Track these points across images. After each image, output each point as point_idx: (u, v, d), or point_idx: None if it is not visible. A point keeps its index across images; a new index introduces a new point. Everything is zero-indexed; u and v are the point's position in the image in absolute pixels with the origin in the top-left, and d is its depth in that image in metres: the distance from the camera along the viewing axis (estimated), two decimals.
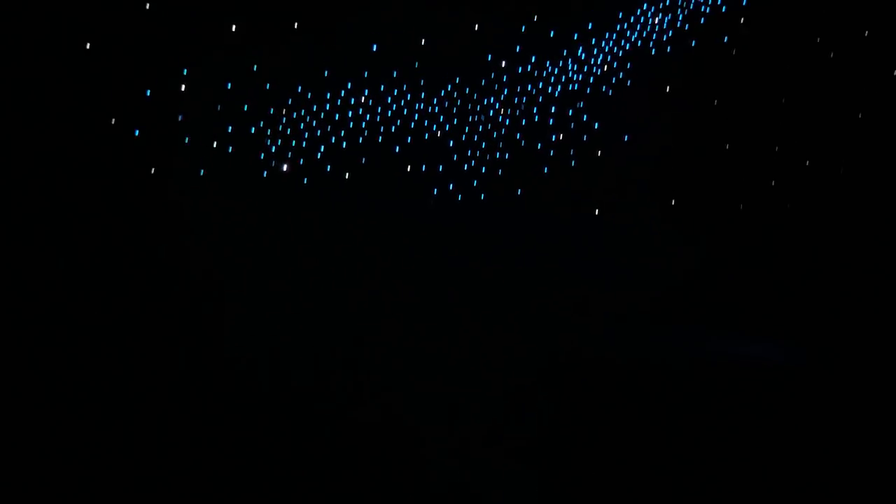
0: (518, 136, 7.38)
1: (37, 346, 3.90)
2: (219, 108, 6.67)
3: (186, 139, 6.64)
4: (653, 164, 7.57)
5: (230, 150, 6.79)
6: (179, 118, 6.59)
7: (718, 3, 7.21)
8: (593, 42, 7.22)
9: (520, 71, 7.21)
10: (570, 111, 7.38)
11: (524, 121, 7.35)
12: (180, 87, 6.48)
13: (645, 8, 7.15)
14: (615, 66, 7.33)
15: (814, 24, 7.30)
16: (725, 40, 7.32)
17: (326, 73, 6.85)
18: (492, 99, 7.25)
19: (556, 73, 7.27)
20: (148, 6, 6.26)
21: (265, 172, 6.93)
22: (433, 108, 7.14)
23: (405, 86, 7.04)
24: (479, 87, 7.19)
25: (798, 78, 7.41)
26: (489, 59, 7.14)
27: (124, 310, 4.78)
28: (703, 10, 7.21)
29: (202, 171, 6.72)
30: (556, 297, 6.79)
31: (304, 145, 7.00)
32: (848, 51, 7.31)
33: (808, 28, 7.31)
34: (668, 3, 7.16)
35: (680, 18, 7.21)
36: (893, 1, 7.03)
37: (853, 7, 7.20)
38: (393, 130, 7.14)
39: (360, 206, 7.19)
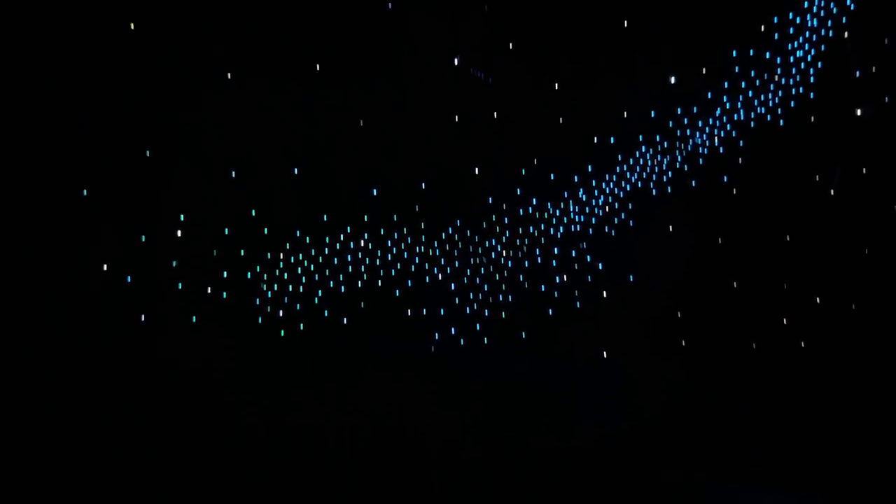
0: (521, 278, 7.22)
1: None
2: (215, 252, 6.52)
3: (180, 285, 6.44)
4: (659, 304, 7.42)
5: (224, 296, 6.59)
6: (173, 264, 6.42)
7: (716, 143, 7.27)
8: (594, 184, 7.22)
9: (521, 213, 7.15)
10: (574, 252, 7.28)
11: (526, 262, 7.23)
12: (175, 232, 6.36)
13: (644, 150, 7.20)
14: (616, 206, 7.30)
15: (812, 162, 7.34)
16: (725, 179, 7.33)
17: (325, 217, 6.77)
18: (493, 241, 7.15)
19: (557, 214, 7.22)
20: (148, 153, 6.25)
21: (260, 318, 6.70)
22: (434, 252, 7.02)
23: (405, 229, 6.94)
24: (479, 230, 7.11)
25: (801, 214, 7.38)
26: (489, 201, 7.10)
27: None
28: (701, 150, 7.26)
29: (194, 317, 6.48)
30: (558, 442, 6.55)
31: (301, 290, 6.81)
32: (849, 186, 7.31)
33: (806, 165, 7.34)
34: (666, 146, 7.21)
35: (679, 159, 7.26)
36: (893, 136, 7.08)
37: (851, 143, 7.25)
38: (393, 274, 6.97)
39: (359, 351, 6.94)
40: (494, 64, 6.70)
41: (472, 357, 7.07)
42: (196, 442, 6.17)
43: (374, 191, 6.81)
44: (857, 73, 7.05)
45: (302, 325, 6.76)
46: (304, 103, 6.44)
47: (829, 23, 6.96)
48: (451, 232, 7.06)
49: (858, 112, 6.84)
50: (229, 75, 6.22)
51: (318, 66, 6.44)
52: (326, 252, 6.82)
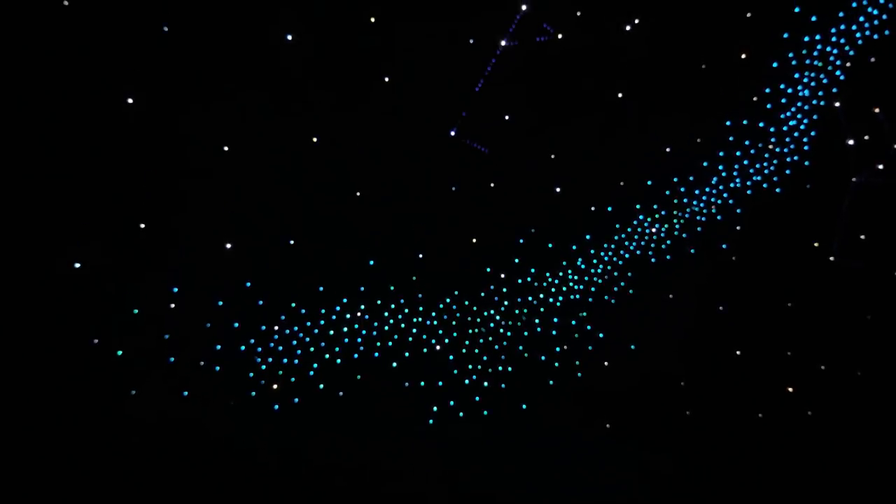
0: (520, 349, 7.10)
1: None
2: (208, 325, 6.41)
3: (171, 359, 6.30)
4: (661, 374, 7.29)
5: (217, 370, 6.44)
6: (166, 337, 6.29)
7: (713, 211, 7.26)
8: (592, 252, 7.18)
9: (519, 282, 7.09)
10: (573, 321, 7.18)
11: (526, 332, 7.12)
12: (168, 304, 6.26)
13: (641, 219, 7.19)
14: (616, 275, 7.25)
15: (810, 227, 7.33)
16: (724, 247, 7.30)
17: (321, 287, 6.68)
18: (492, 311, 7.06)
19: (556, 283, 7.15)
20: (143, 226, 6.20)
21: (254, 392, 6.53)
22: (432, 322, 6.91)
23: (402, 300, 6.85)
24: (478, 300, 7.03)
25: (802, 280, 7.32)
26: (488, 271, 7.03)
27: None
28: (698, 219, 7.25)
29: (186, 392, 6.32)
30: None
31: (296, 362, 6.67)
32: (848, 249, 7.28)
33: (805, 231, 7.33)
34: (664, 214, 7.21)
35: (677, 227, 7.24)
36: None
37: (845, 212, 7.25)
38: (390, 345, 6.85)
39: (356, 424, 6.76)
40: (492, 132, 6.72)
41: (471, 429, 6.89)
42: None
43: (371, 261, 6.75)
44: (851, 141, 7.11)
45: (297, 399, 6.60)
46: (301, 169, 6.42)
47: (821, 93, 7.06)
48: (448, 302, 6.97)
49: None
50: (225, 142, 6.23)
51: (314, 138, 6.46)
52: (322, 323, 6.71)
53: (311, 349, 6.68)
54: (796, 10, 6.77)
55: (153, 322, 6.26)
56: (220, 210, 6.30)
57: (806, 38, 6.87)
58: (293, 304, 6.63)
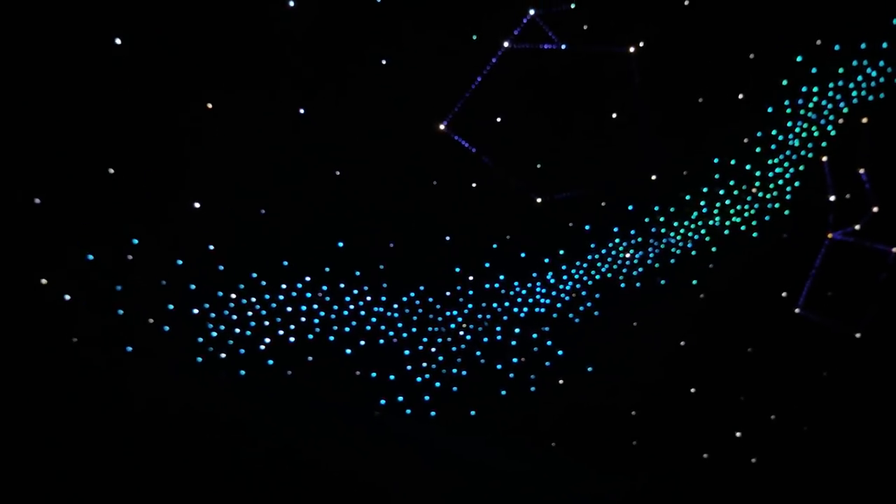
0: (478, 354, 6.99)
1: None
2: (163, 283, 6.21)
3: (120, 311, 6.10)
4: (613, 400, 7.25)
5: (166, 329, 6.24)
6: (118, 288, 6.09)
7: (689, 245, 7.26)
8: (563, 268, 7.11)
9: (486, 287, 6.99)
10: (535, 335, 7.10)
11: (486, 339, 7.01)
12: (126, 256, 6.06)
13: (617, 242, 7.15)
14: (583, 294, 7.18)
15: (780, 277, 7.37)
16: (694, 283, 7.29)
17: (286, 262, 6.52)
18: (455, 312, 6.95)
19: (523, 294, 7.06)
20: (131, 257, 6.02)
21: (200, 358, 6.34)
22: (392, 314, 6.78)
23: (366, 287, 6.71)
24: (442, 299, 6.91)
25: (766, 328, 7.35)
26: (457, 271, 6.93)
27: None
28: (673, 251, 7.23)
29: (129, 348, 6.12)
30: None
31: (247, 334, 6.48)
32: (815, 304, 7.33)
33: (775, 280, 7.37)
34: (639, 241, 7.17)
35: (651, 256, 7.21)
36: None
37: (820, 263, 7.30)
38: (346, 331, 6.69)
39: (299, 406, 6.60)
40: (482, 133, 6.63)
41: (416, 427, 6.76)
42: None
43: (340, 243, 6.61)
44: (832, 197, 7.17)
45: (243, 371, 6.41)
46: (283, 141, 6.27)
47: (810, 145, 7.10)
48: (412, 296, 6.84)
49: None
50: (210, 105, 6.06)
51: (301, 110, 6.31)
52: (281, 298, 6.53)
53: (266, 323, 6.50)
54: (798, 59, 6.81)
55: (107, 272, 6.06)
56: (190, 168, 6.12)
57: (804, 89, 6.91)
58: (254, 275, 6.45)
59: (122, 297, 6.09)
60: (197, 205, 6.15)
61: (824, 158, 7.14)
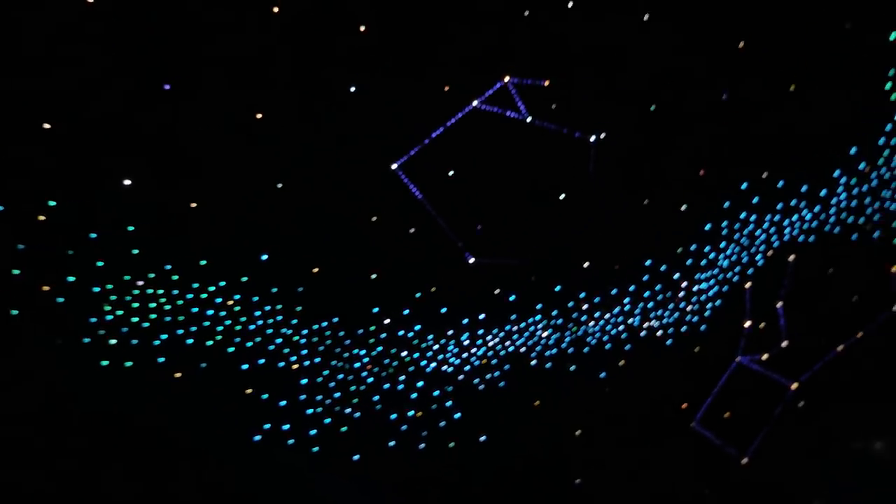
0: (375, 399, 6.83)
1: None
2: (70, 252, 5.91)
3: (16, 270, 5.75)
4: (500, 477, 7.18)
5: (60, 301, 5.92)
6: (19, 247, 5.76)
7: (605, 339, 7.33)
8: (480, 333, 7.07)
9: (399, 335, 6.88)
10: (437, 393, 7.00)
11: (387, 385, 6.87)
12: (38, 216, 5.74)
13: (538, 319, 7.17)
14: (493, 363, 7.15)
15: (687, 394, 7.51)
16: (602, 376, 7.35)
17: (203, 262, 6.27)
18: (363, 352, 6.80)
19: (435, 349, 6.98)
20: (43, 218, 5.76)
21: (88, 338, 6.01)
22: (299, 339, 6.58)
23: (279, 305, 6.51)
24: (353, 336, 6.76)
25: (661, 439, 7.43)
26: (374, 311, 6.81)
27: None
28: (589, 340, 7.30)
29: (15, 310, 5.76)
30: None
31: (144, 325, 6.18)
32: (712, 420, 7.45)
33: (681, 394, 7.49)
34: (559, 323, 7.22)
35: (566, 340, 7.25)
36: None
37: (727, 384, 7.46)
38: (248, 346, 6.46)
39: (177, 415, 6.30)
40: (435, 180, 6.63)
41: (295, 459, 6.53)
42: None
43: (265, 256, 6.42)
44: (748, 323, 7.39)
45: (129, 363, 6.09)
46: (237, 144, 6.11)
47: (738, 269, 7.34)
48: (324, 326, 6.67)
49: None
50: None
51: (258, 114, 6.18)
52: (189, 297, 6.27)
53: (167, 318, 6.22)
54: (743, 186, 7.08)
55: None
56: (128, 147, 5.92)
57: (742, 215, 7.17)
58: (167, 266, 6.19)
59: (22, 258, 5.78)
60: (127, 182, 5.90)
61: (748, 285, 7.38)
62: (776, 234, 7.24)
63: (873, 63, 6.79)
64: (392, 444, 6.85)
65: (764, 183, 7.10)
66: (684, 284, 7.31)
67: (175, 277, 6.21)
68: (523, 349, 7.17)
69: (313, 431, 6.60)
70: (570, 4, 6.43)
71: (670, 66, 6.67)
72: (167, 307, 6.25)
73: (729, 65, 6.72)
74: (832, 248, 7.35)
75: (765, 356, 7.44)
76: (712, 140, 6.89)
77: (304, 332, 6.60)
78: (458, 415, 7.03)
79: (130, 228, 5.98)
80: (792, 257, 7.29)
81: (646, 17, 6.47)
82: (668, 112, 6.78)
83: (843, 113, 6.86)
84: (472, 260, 6.85)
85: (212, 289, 6.35)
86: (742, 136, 6.90)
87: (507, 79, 6.46)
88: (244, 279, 6.41)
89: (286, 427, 6.51)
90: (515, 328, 7.12)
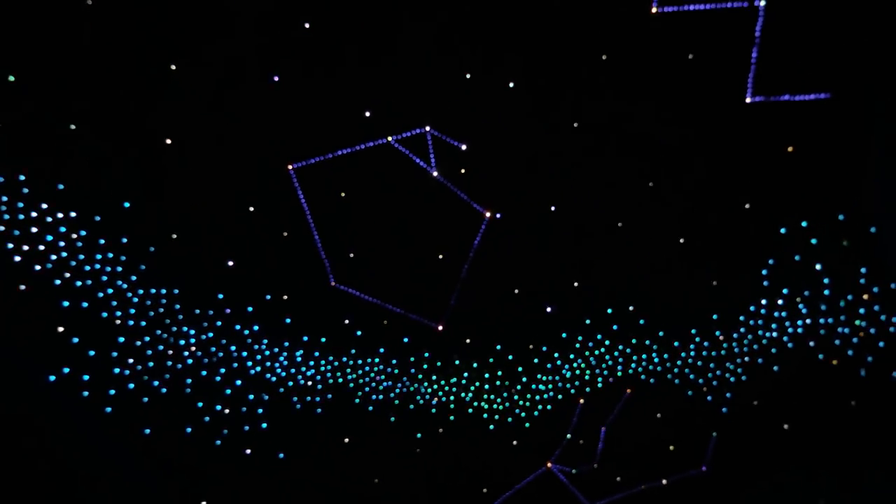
0: (188, 381, 6.63)
1: None
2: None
3: None
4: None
5: None
6: None
7: (436, 402, 7.39)
8: (315, 355, 7.00)
9: (235, 328, 6.74)
10: (251, 397, 6.83)
11: (204, 372, 6.66)
12: None
13: (376, 361, 7.16)
14: (318, 388, 7.05)
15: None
16: (419, 436, 7.39)
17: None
18: (192, 332, 6.60)
19: (266, 354, 6.84)
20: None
21: None
22: (132, 297, 6.35)
23: (124, 257, 6.30)
24: (189, 313, 6.55)
25: None
26: (219, 297, 6.66)
27: None
28: (417, 399, 7.33)
29: None
30: None
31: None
32: None
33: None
34: (395, 372, 7.23)
35: (396, 391, 7.26)
36: None
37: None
38: (78, 286, 6.20)
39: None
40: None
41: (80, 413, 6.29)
42: None
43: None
44: (569, 436, 7.60)
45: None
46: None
47: (577, 383, 7.55)
48: (163, 293, 6.46)
49: None
50: None
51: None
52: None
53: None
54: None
55: None
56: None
57: (599, 336, 7.42)
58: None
59: None
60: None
61: (581, 401, 7.60)
62: (622, 365, 7.50)
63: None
64: (188, 430, 6.66)
65: (629, 316, 7.37)
66: (524, 379, 7.45)
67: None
68: (352, 385, 7.13)
69: (112, 391, 6.35)
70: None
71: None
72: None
73: None
74: (668, 395, 7.64)
75: (574, 470, 7.64)
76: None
77: (140, 291, 6.38)
78: (264, 425, 6.91)
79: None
80: (628, 391, 7.55)
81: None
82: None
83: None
84: (332, 283, 6.81)
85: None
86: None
87: (427, 128, 6.50)
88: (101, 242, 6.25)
89: (86, 378, 6.24)
90: (351, 362, 7.09)
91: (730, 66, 6.26)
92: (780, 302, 7.28)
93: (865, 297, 7.19)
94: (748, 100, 6.37)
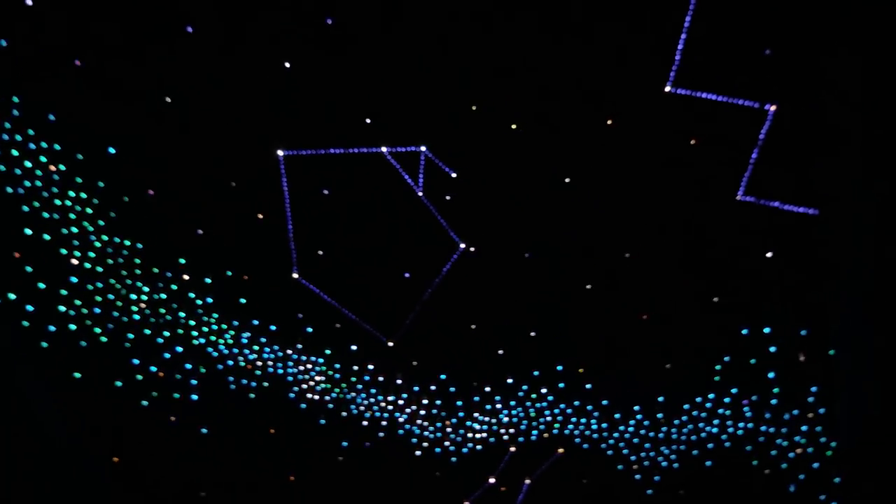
0: (129, 336, 6.60)
1: None
2: None
3: None
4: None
5: None
6: None
7: (370, 414, 7.38)
8: (262, 341, 7.01)
9: (189, 296, 6.74)
10: (188, 366, 6.81)
11: (147, 331, 6.66)
12: None
13: (320, 361, 7.16)
14: (257, 373, 7.06)
15: None
16: (345, 445, 7.36)
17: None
18: (147, 288, 6.59)
19: (213, 328, 6.85)
20: None
21: None
22: (90, 252, 6.35)
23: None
24: (148, 272, 6.55)
25: None
26: (181, 262, 6.66)
27: None
28: (351, 408, 7.31)
29: None
30: None
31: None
32: None
33: None
34: (337, 377, 7.23)
35: (332, 396, 7.25)
36: None
37: None
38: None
39: None
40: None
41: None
42: None
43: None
44: (492, 479, 7.56)
45: None
46: None
47: (511, 430, 7.54)
48: (124, 253, 6.49)
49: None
50: None
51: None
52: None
53: None
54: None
55: None
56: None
57: (544, 390, 7.42)
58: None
59: None
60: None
61: (512, 448, 7.59)
62: (560, 424, 7.49)
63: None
64: (118, 384, 6.64)
65: (577, 378, 7.38)
66: (461, 414, 7.44)
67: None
68: (290, 378, 7.12)
69: (52, 328, 6.33)
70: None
71: None
72: None
73: None
74: (598, 465, 7.62)
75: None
76: None
77: (105, 238, 6.36)
78: (194, 396, 6.88)
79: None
80: (560, 451, 7.53)
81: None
82: None
83: None
84: (296, 275, 6.82)
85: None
86: None
87: (423, 148, 6.54)
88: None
89: (29, 308, 6.22)
90: (295, 357, 7.08)
91: (727, 160, 6.31)
92: (726, 400, 7.27)
93: (810, 415, 7.18)
94: (738, 197, 6.42)
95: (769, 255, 6.71)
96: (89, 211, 6.27)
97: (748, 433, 7.37)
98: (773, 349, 7.08)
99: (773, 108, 6.09)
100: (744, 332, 7.04)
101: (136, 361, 6.65)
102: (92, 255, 6.35)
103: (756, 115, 6.14)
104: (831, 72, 5.31)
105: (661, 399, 7.39)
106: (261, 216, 6.64)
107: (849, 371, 6.41)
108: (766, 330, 7.04)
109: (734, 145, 6.30)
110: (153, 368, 6.69)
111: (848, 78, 5.21)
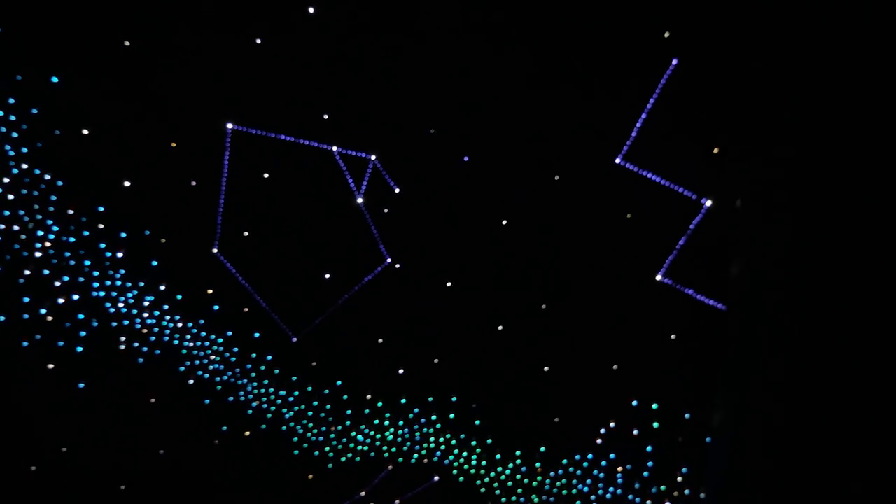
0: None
1: None
2: None
3: None
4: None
5: None
6: None
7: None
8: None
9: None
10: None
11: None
12: None
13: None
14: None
15: None
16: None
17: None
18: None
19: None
20: None
21: None
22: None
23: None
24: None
25: None
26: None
27: None
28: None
29: None
30: None
31: None
32: None
33: None
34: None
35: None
36: None
37: None
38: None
39: None
40: None
41: None
42: None
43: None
44: None
45: None
46: None
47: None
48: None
49: None
50: None
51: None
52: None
53: None
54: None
55: None
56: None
57: None
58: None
59: None
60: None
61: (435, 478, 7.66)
62: (442, 453, 7.56)
63: None
64: (1, 318, 6.29)
65: (468, 413, 7.49)
66: (348, 423, 7.42)
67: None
68: (184, 352, 6.89)
69: (25, 315, 6.07)
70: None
71: None
72: None
73: None
74: (468, 499, 7.73)
75: None
76: None
77: (21, 169, 6.06)
78: (79, 348, 6.58)
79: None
80: (436, 478, 7.60)
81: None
82: None
83: None
84: (215, 250, 6.67)
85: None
86: None
87: (374, 157, 6.54)
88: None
89: None
90: (194, 331, 6.88)
91: (654, 244, 6.58)
92: (603, 463, 7.52)
93: (675, 494, 7.51)
94: (658, 278, 6.69)
95: (673, 337, 7.01)
96: (14, 135, 5.96)
97: (615, 499, 7.64)
98: (656, 425, 7.39)
99: (708, 202, 6.40)
100: (634, 403, 7.32)
101: (26, 300, 6.33)
102: (6, 180, 6.03)
103: (692, 205, 6.43)
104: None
105: (542, 449, 7.58)
106: (194, 183, 6.47)
107: (720, 462, 6.76)
108: (654, 406, 7.35)
109: (665, 227, 6.58)
110: (43, 311, 6.39)
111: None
